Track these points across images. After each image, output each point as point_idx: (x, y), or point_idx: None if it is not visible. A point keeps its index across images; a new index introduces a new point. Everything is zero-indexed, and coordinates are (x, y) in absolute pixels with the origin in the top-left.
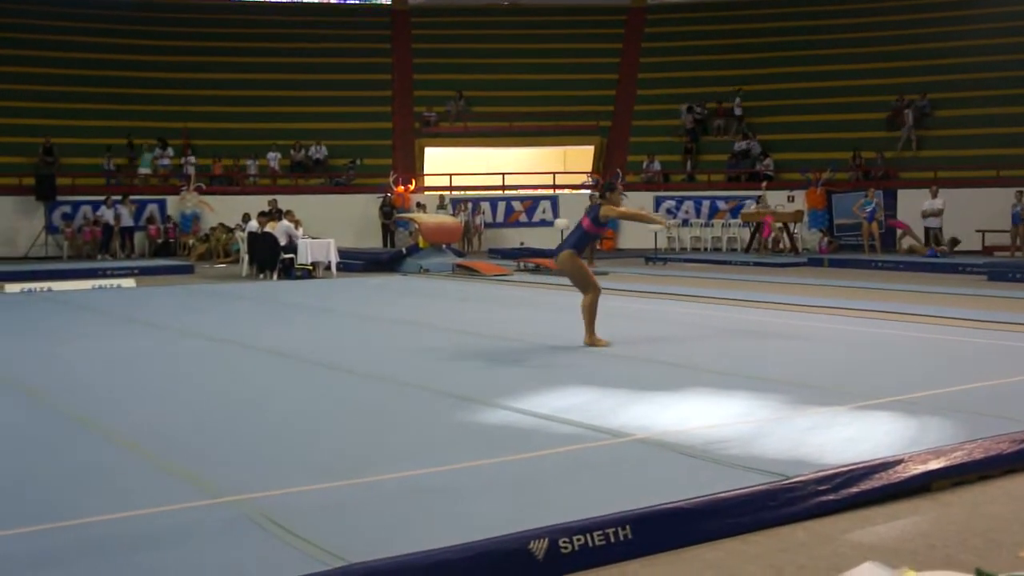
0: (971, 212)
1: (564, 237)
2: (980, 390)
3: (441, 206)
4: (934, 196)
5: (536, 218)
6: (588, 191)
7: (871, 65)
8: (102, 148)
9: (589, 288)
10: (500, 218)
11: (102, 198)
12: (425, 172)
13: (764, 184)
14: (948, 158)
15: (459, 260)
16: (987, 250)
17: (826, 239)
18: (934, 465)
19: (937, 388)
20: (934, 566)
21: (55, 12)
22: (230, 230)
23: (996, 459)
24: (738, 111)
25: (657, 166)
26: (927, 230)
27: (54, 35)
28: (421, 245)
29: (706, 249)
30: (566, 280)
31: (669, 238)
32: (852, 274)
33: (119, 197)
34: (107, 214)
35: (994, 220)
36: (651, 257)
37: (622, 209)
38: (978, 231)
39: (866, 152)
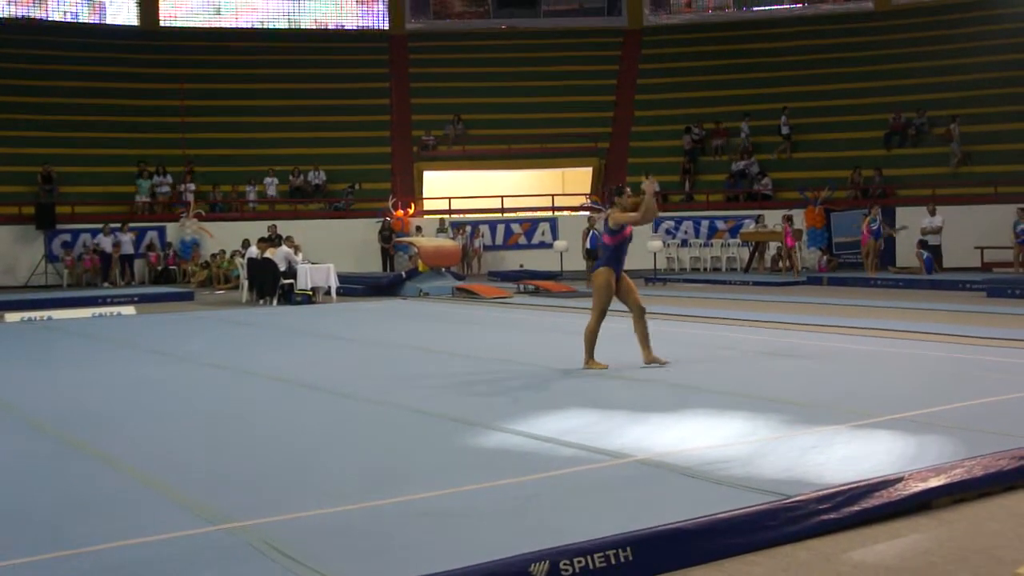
0: (969, 229)
1: (562, 258)
2: (980, 407)
3: (441, 229)
4: (932, 213)
5: (535, 240)
6: (587, 212)
7: (868, 84)
8: (101, 176)
9: (595, 312)
10: (499, 241)
11: (100, 226)
12: (424, 196)
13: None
14: (946, 175)
15: (459, 283)
16: (986, 266)
17: (825, 257)
18: (934, 483)
19: (937, 405)
20: None
21: (53, 41)
22: (231, 256)
23: (996, 476)
24: (785, 129)
25: (656, 187)
26: (926, 245)
27: (53, 64)
28: (421, 269)
29: (705, 269)
30: (566, 302)
31: (668, 258)
32: (851, 292)
33: (117, 225)
34: (104, 242)
35: (993, 237)
36: (651, 278)
37: (627, 213)
38: (977, 248)
39: (865, 170)
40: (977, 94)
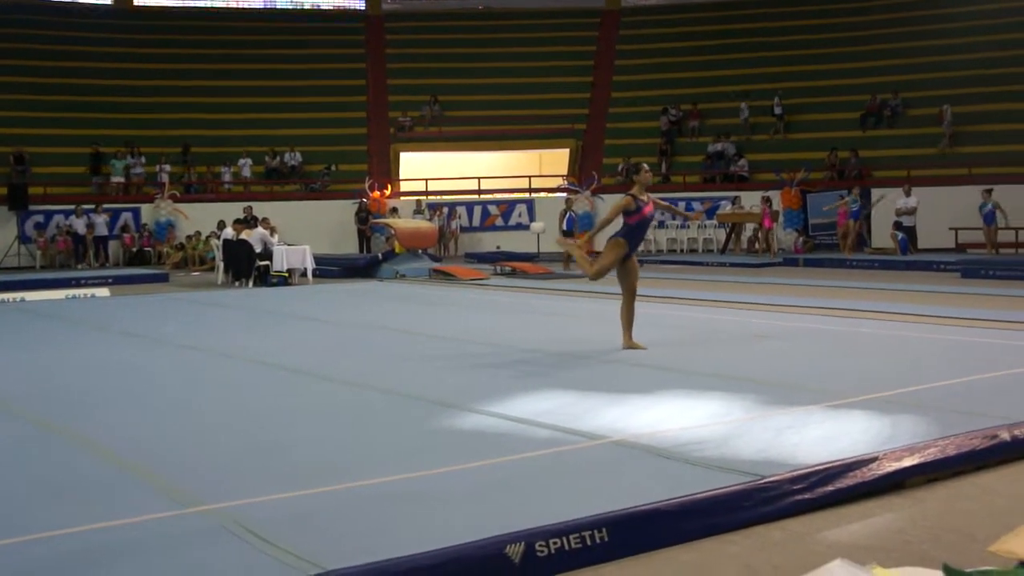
0: (944, 210)
1: (539, 240)
2: (953, 387)
3: (418, 211)
4: (907, 194)
5: (512, 222)
6: (564, 194)
7: (844, 65)
8: (74, 157)
9: (595, 266)
10: (476, 222)
11: (73, 207)
12: (401, 177)
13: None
14: (920, 157)
15: (435, 265)
16: (960, 247)
17: (801, 239)
18: (908, 462)
19: (911, 385)
20: (909, 563)
21: (27, 20)
22: (207, 238)
23: (969, 455)
24: (778, 110)
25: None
26: (901, 226)
27: (24, 43)
28: (397, 250)
29: (682, 251)
30: (543, 284)
31: (645, 240)
32: (827, 273)
33: (91, 206)
34: (77, 223)
35: (967, 218)
36: None
37: (615, 207)
38: (951, 229)
39: (841, 152)
40: (953, 75)
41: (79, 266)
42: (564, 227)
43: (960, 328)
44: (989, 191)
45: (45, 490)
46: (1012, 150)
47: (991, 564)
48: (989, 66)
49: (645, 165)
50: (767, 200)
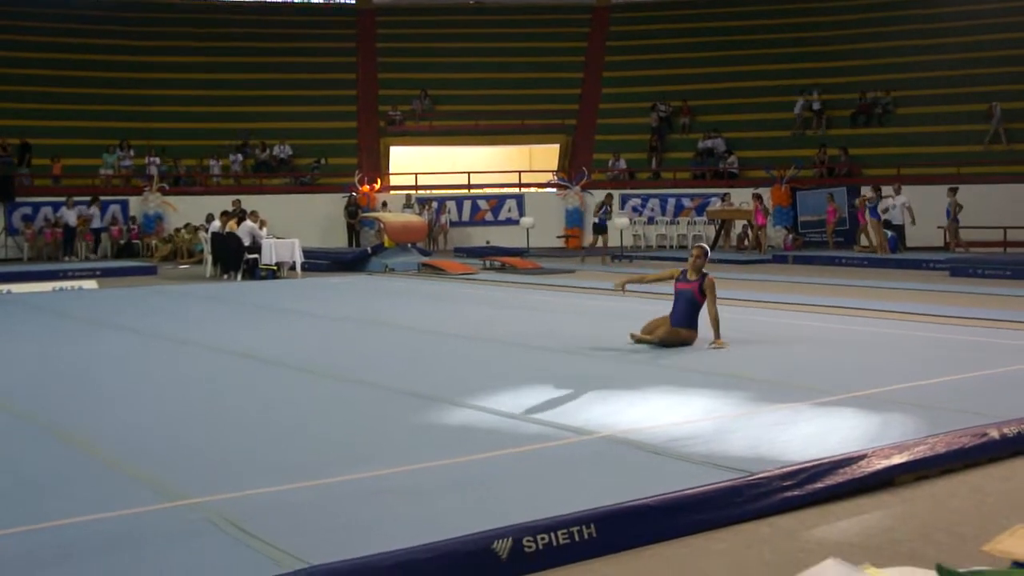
0: (933, 209)
1: (529, 235)
2: (942, 385)
3: (408, 205)
4: (897, 192)
5: (502, 216)
6: (554, 190)
7: (836, 63)
8: (62, 149)
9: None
10: (466, 217)
11: (62, 199)
12: (391, 171)
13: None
14: (910, 155)
15: (425, 259)
16: (948, 246)
17: (791, 236)
18: (897, 460)
19: (900, 383)
20: (898, 561)
21: (15, 11)
22: (195, 229)
23: (958, 453)
24: (817, 105)
25: (623, 164)
26: (890, 224)
27: (12, 35)
28: (387, 244)
29: (672, 247)
30: (532, 279)
31: (635, 236)
32: (816, 271)
33: (87, 199)
34: (67, 215)
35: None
36: (617, 255)
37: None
38: (940, 227)
39: (830, 149)
40: (940, 75)
41: (67, 258)
42: (597, 220)
43: (949, 326)
44: (954, 190)
45: (29, 482)
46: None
47: (984, 564)
48: (979, 66)
49: (699, 246)
50: (758, 197)
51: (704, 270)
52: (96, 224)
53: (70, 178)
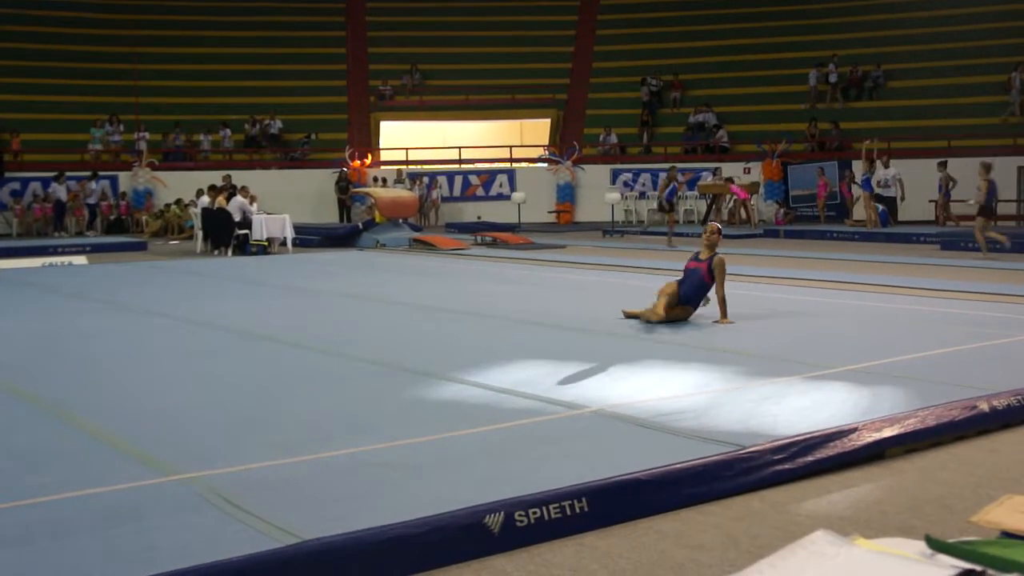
0: (924, 182)
1: (520, 210)
2: (932, 358)
3: (399, 180)
4: (886, 166)
5: (493, 192)
6: (545, 164)
7: (827, 36)
8: (51, 124)
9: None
10: (457, 192)
11: (52, 175)
12: (381, 146)
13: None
14: (901, 128)
15: (416, 235)
16: (939, 220)
17: (782, 210)
18: (887, 433)
19: (890, 357)
20: (888, 533)
21: None
22: (186, 205)
23: (948, 426)
24: (834, 77)
25: (614, 139)
26: (881, 199)
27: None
28: (378, 220)
29: (663, 221)
30: (523, 254)
31: (626, 211)
32: (807, 245)
33: (87, 173)
34: (59, 190)
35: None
36: (608, 230)
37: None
38: (931, 201)
39: (821, 123)
40: (935, 48)
41: (57, 234)
42: (665, 197)
43: (939, 300)
44: (944, 164)
45: (20, 458)
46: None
47: (973, 535)
48: (969, 39)
49: (713, 223)
50: (729, 180)
51: (717, 248)
52: (92, 200)
53: (58, 153)
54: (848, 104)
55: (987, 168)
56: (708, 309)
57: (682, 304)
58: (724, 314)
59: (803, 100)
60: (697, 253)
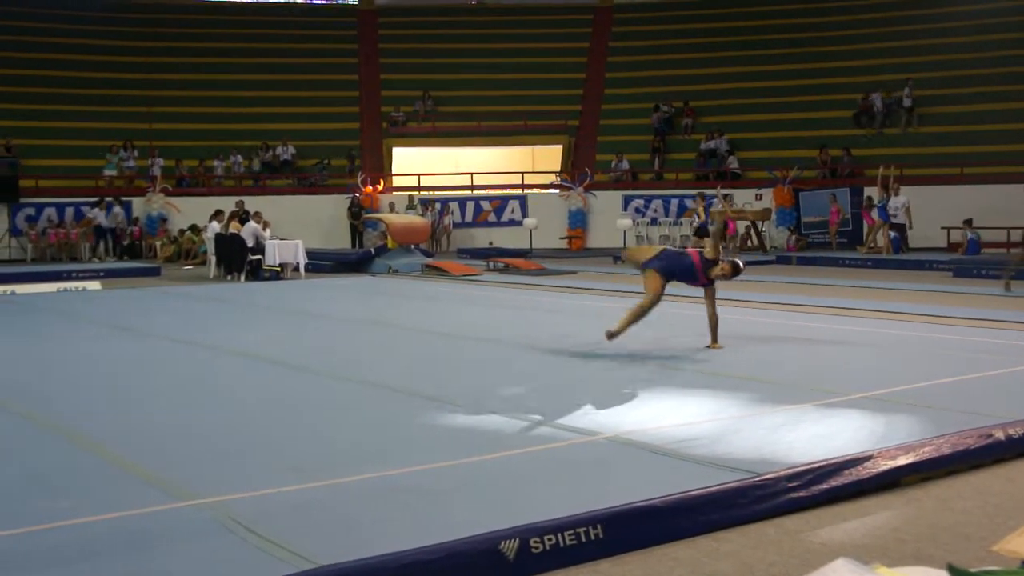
0: (936, 209)
1: (532, 236)
2: (947, 386)
3: (411, 206)
4: (896, 193)
5: (505, 218)
6: (557, 191)
7: (837, 63)
8: (66, 149)
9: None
10: (469, 218)
11: (65, 200)
12: (393, 172)
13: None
14: (912, 156)
15: (428, 260)
16: (952, 247)
17: (794, 237)
18: (903, 461)
19: (905, 384)
20: (904, 561)
21: (18, 12)
22: (199, 231)
23: (964, 454)
24: (908, 102)
25: (625, 165)
26: (893, 225)
27: (15, 36)
28: (390, 245)
29: (674, 247)
30: (535, 280)
31: (638, 237)
32: (820, 272)
33: (110, 199)
34: (99, 216)
35: (958, 217)
36: (619, 256)
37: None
38: (943, 228)
39: (833, 150)
40: (950, 75)
41: (92, 259)
42: (703, 222)
43: (954, 327)
44: (969, 221)
45: (36, 483)
46: (1004, 150)
47: (994, 564)
48: (978, 66)
49: (732, 260)
50: (702, 195)
51: (717, 274)
52: (106, 224)
53: (73, 179)
54: (857, 131)
55: None
56: (701, 337)
57: (663, 278)
58: (715, 339)
59: (814, 127)
60: (702, 252)
